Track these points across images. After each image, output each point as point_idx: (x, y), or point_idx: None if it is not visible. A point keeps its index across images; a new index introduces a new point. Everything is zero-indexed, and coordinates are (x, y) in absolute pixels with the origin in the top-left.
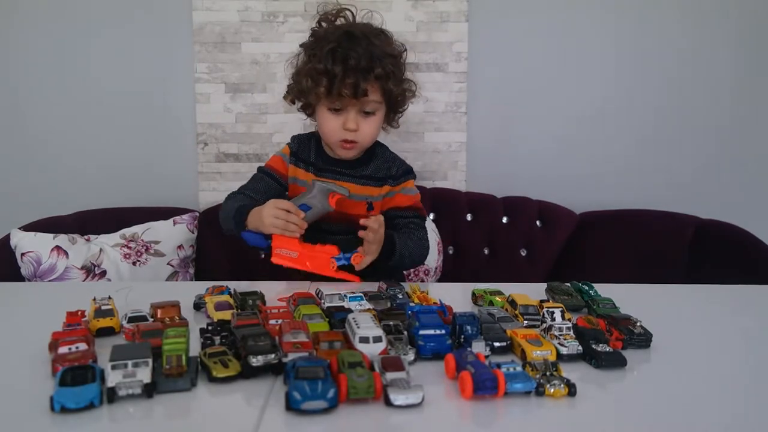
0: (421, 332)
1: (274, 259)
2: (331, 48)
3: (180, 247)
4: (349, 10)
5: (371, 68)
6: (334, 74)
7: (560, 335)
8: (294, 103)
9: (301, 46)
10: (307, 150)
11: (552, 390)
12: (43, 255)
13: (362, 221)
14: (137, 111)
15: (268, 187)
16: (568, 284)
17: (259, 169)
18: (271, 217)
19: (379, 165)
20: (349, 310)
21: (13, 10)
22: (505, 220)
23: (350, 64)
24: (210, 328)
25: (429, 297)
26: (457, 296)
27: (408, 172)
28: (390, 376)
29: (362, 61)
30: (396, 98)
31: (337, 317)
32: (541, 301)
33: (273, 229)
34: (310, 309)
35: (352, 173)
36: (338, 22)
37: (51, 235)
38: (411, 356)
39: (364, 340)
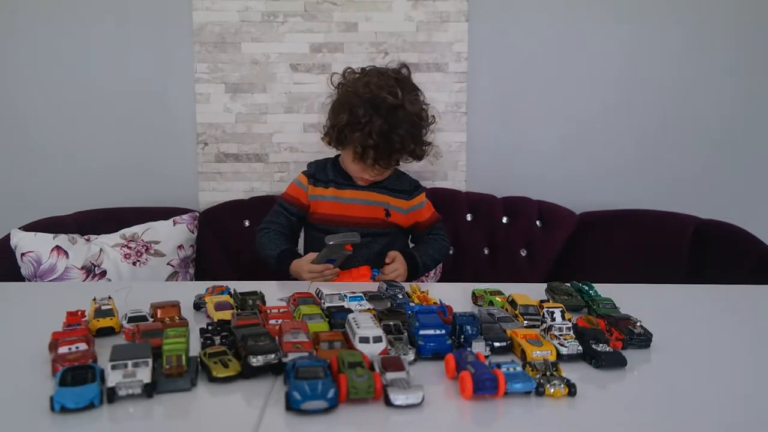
0: (421, 332)
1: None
2: (380, 125)
3: (180, 247)
4: (410, 71)
5: (406, 148)
6: (377, 147)
7: (560, 335)
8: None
9: (347, 84)
10: (324, 171)
11: (552, 390)
12: (43, 255)
13: (382, 275)
14: (137, 111)
15: (289, 222)
16: (568, 284)
17: (279, 203)
18: (309, 276)
19: (393, 179)
20: (349, 310)
21: (13, 10)
22: (505, 220)
23: (390, 141)
24: (210, 328)
25: (429, 297)
26: (457, 296)
27: (417, 187)
28: (390, 376)
29: (400, 144)
30: (414, 158)
31: (337, 317)
32: (541, 301)
33: (316, 280)
34: (310, 309)
35: (359, 186)
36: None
37: (51, 235)
38: (411, 356)
39: (364, 340)
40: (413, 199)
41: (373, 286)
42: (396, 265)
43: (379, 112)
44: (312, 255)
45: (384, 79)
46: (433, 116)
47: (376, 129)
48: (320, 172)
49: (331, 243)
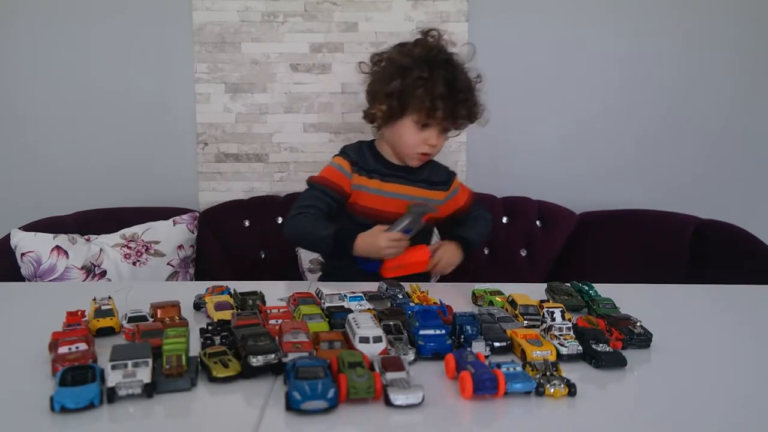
0: (421, 332)
1: (386, 273)
2: (445, 75)
3: (180, 247)
4: (440, 34)
5: (467, 98)
6: (446, 97)
7: (560, 335)
8: (372, 112)
9: (389, 58)
10: (364, 159)
11: (552, 390)
12: (43, 255)
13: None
14: (137, 111)
15: (329, 208)
16: (568, 284)
17: (314, 186)
18: (386, 249)
19: (431, 171)
20: (349, 310)
21: (14, 9)
22: (505, 220)
23: (456, 91)
24: (210, 328)
25: (429, 297)
26: (457, 296)
27: (452, 173)
28: (390, 376)
29: (462, 92)
30: (470, 121)
31: (337, 317)
32: (541, 301)
33: (389, 256)
34: (310, 309)
35: (411, 178)
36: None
37: (51, 235)
38: (411, 356)
39: (364, 340)
40: (450, 188)
41: (373, 286)
42: (440, 252)
43: (437, 66)
44: (383, 227)
45: (423, 41)
46: (479, 75)
47: (440, 79)
48: (362, 160)
49: (414, 208)
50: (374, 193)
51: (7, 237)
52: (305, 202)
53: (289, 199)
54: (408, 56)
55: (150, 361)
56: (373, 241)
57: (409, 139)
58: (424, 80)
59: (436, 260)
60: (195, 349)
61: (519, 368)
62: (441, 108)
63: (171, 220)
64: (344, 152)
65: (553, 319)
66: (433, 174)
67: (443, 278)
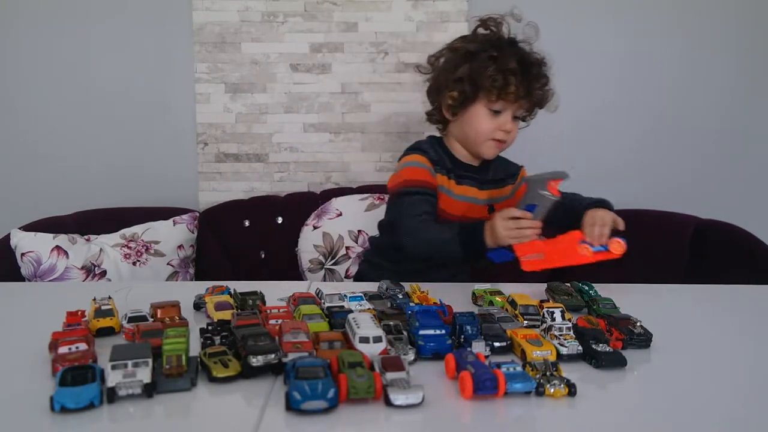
0: (421, 332)
1: (525, 267)
2: (515, 52)
3: (180, 247)
4: (500, 20)
5: (540, 76)
6: (519, 73)
7: (560, 335)
8: (437, 109)
9: (450, 49)
10: (440, 156)
11: (552, 390)
12: (43, 255)
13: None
14: (137, 111)
15: (434, 208)
16: (568, 284)
17: (411, 191)
18: (503, 229)
19: (496, 168)
20: (349, 310)
21: (13, 9)
22: None
23: (529, 65)
24: (210, 328)
25: (429, 297)
26: (457, 296)
27: (518, 166)
28: (390, 376)
29: (534, 68)
30: (542, 103)
31: (337, 317)
32: (541, 301)
33: (510, 240)
34: (310, 309)
35: (479, 179)
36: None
37: (51, 235)
38: (411, 356)
39: (364, 340)
40: (516, 180)
41: (373, 286)
42: (588, 218)
43: (504, 47)
44: (508, 210)
45: (483, 27)
46: (545, 57)
47: (511, 56)
48: (439, 157)
49: (530, 179)
50: (445, 192)
51: (7, 237)
52: (414, 210)
53: (289, 198)
54: (472, 42)
55: (150, 361)
56: (494, 227)
57: (483, 125)
58: (494, 59)
59: (589, 226)
60: (195, 349)
61: (519, 368)
62: (514, 83)
63: (171, 220)
64: (420, 149)
65: (553, 319)
66: (499, 171)
67: (443, 278)
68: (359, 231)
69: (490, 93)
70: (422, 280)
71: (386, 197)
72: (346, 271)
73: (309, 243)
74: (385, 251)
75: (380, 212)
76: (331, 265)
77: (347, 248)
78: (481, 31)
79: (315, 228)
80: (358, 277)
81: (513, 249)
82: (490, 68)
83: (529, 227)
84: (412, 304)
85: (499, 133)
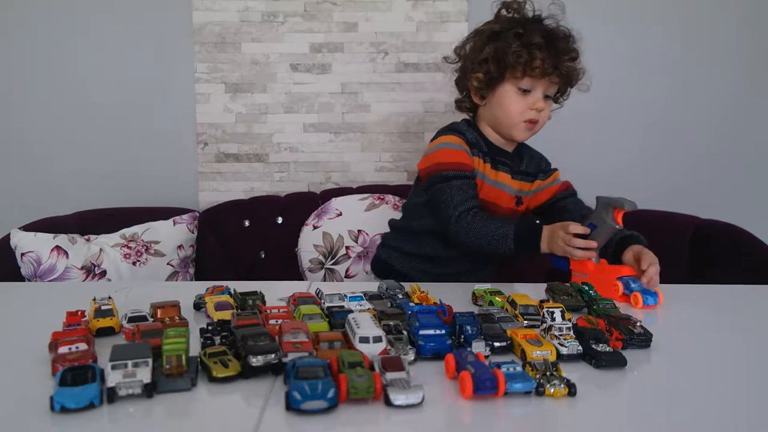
0: (421, 332)
1: (574, 280)
2: (540, 27)
3: (180, 247)
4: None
5: (568, 50)
6: (543, 50)
7: (560, 335)
8: (465, 86)
9: (476, 33)
10: (475, 138)
11: (552, 390)
12: (43, 255)
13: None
14: (137, 111)
15: (477, 192)
16: (568, 284)
17: (451, 175)
18: (561, 240)
19: (530, 160)
20: (349, 310)
21: (13, 9)
22: None
23: (554, 43)
24: (210, 328)
25: (429, 297)
26: (457, 296)
27: (551, 166)
28: (390, 376)
29: (561, 43)
30: (573, 80)
31: (337, 317)
32: (541, 301)
33: (563, 253)
34: (310, 309)
35: (512, 167)
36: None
37: (51, 235)
38: (411, 356)
39: (364, 340)
40: (548, 177)
41: (373, 286)
42: (647, 259)
43: (529, 23)
44: (570, 225)
45: (506, 8)
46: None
47: (536, 32)
48: (475, 140)
49: (600, 198)
50: (480, 178)
51: (7, 237)
52: (462, 194)
53: (289, 198)
54: (496, 23)
55: (150, 361)
56: (552, 231)
57: (513, 106)
58: (519, 36)
59: (649, 272)
60: (195, 349)
61: (519, 368)
62: (539, 57)
63: (171, 220)
64: (457, 130)
65: (553, 319)
66: (532, 164)
67: (445, 278)
68: (359, 231)
69: (515, 70)
70: (441, 265)
71: (386, 197)
72: (347, 270)
73: (309, 243)
74: (405, 235)
75: (380, 212)
76: (331, 264)
77: (347, 248)
78: (504, 13)
79: (315, 228)
80: (375, 263)
81: (569, 262)
82: (515, 44)
83: (584, 247)
84: (412, 304)
85: (530, 113)
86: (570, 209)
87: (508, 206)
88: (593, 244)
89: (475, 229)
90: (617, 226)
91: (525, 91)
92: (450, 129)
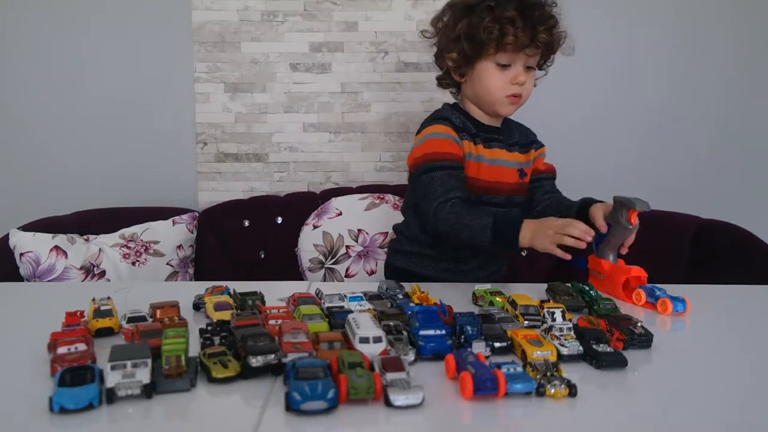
0: (421, 332)
1: (591, 280)
2: (515, 1)
3: (179, 247)
4: None
5: (544, 19)
6: (516, 23)
7: (561, 336)
8: (443, 64)
9: (450, 6)
10: (462, 121)
11: (552, 390)
12: (42, 255)
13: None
14: (136, 110)
15: (462, 183)
16: (569, 284)
17: (437, 165)
18: (550, 231)
19: (521, 132)
20: (349, 311)
21: (13, 9)
22: None
23: (529, 13)
24: (209, 328)
25: (429, 297)
26: (457, 296)
27: (537, 139)
28: (390, 376)
29: (537, 11)
30: (554, 48)
31: (337, 317)
32: (542, 302)
33: (548, 244)
34: (310, 309)
35: (504, 140)
36: None
37: (50, 235)
38: (411, 356)
39: (364, 340)
40: (539, 149)
41: (373, 286)
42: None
43: None
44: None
45: None
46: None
47: (508, 3)
48: (461, 123)
49: (616, 198)
50: (476, 160)
51: (6, 237)
52: (443, 186)
53: (289, 198)
54: None
55: (149, 361)
56: (540, 225)
57: (493, 82)
58: (490, 9)
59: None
60: (194, 349)
61: (519, 369)
62: (512, 33)
63: (170, 220)
64: (442, 117)
65: (554, 320)
66: (524, 135)
67: (447, 278)
68: (359, 230)
69: (488, 46)
70: (456, 266)
71: (386, 197)
72: (347, 270)
73: (309, 242)
74: (414, 238)
75: (380, 211)
76: (332, 264)
77: (347, 247)
78: None
79: (315, 227)
80: (392, 273)
81: (588, 260)
82: (487, 19)
83: (572, 236)
84: (412, 304)
85: (511, 87)
86: (549, 206)
87: (512, 181)
88: (590, 232)
89: (452, 219)
90: (630, 227)
91: (504, 66)
92: (435, 118)
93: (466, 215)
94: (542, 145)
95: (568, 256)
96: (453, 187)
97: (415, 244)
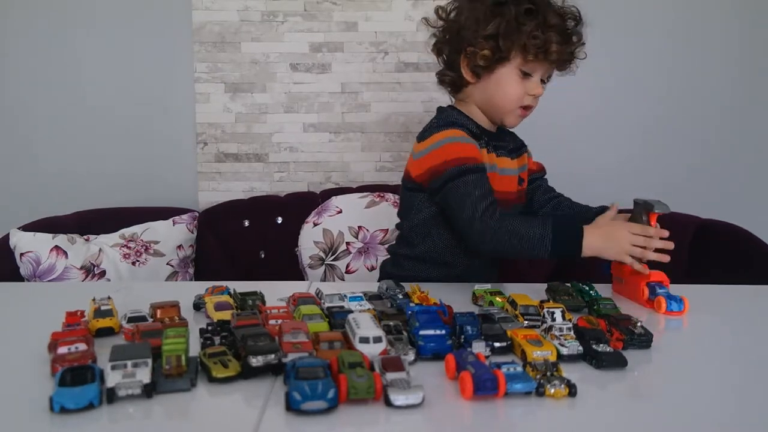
0: (421, 332)
1: (614, 288)
2: (550, 3)
3: (179, 247)
4: None
5: (579, 36)
6: (560, 30)
7: (561, 335)
8: (454, 59)
9: (451, 11)
10: (473, 128)
11: (552, 390)
12: (42, 255)
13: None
14: (136, 110)
15: (492, 187)
16: (569, 284)
17: (463, 169)
18: (631, 242)
19: (512, 136)
20: (349, 311)
21: (12, 9)
22: None
23: (567, 27)
24: (210, 328)
25: (429, 297)
26: (457, 296)
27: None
28: (390, 376)
29: (574, 27)
30: (572, 66)
31: (337, 317)
32: (542, 302)
33: (624, 254)
34: (310, 309)
35: (505, 147)
36: None
37: (50, 235)
38: (411, 356)
39: (364, 340)
40: (526, 151)
41: (373, 286)
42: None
43: (538, 1)
44: (619, 216)
45: None
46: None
47: (550, 10)
48: (474, 129)
49: (638, 203)
50: (495, 170)
51: (6, 237)
52: (478, 191)
53: (289, 198)
54: None
55: (150, 361)
56: (613, 232)
57: (512, 90)
58: (530, 12)
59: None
60: (195, 349)
61: (519, 368)
62: (555, 41)
63: (170, 220)
64: (452, 122)
65: (554, 320)
66: (514, 139)
67: (447, 278)
68: (359, 227)
69: (526, 52)
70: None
71: (386, 195)
72: (347, 266)
73: (309, 240)
74: (417, 257)
75: (380, 209)
76: (332, 261)
77: (347, 244)
78: None
79: (315, 225)
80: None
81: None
82: (528, 23)
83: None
84: (412, 304)
85: (527, 98)
86: (558, 211)
87: (514, 190)
88: (670, 245)
89: (505, 228)
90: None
91: (526, 75)
92: (447, 123)
93: (519, 225)
94: (526, 145)
95: (647, 270)
96: (490, 191)
97: (413, 267)
